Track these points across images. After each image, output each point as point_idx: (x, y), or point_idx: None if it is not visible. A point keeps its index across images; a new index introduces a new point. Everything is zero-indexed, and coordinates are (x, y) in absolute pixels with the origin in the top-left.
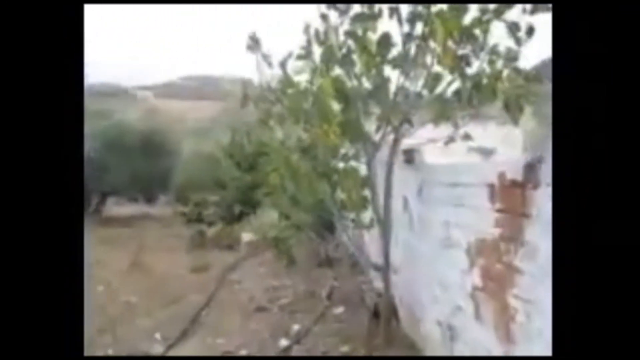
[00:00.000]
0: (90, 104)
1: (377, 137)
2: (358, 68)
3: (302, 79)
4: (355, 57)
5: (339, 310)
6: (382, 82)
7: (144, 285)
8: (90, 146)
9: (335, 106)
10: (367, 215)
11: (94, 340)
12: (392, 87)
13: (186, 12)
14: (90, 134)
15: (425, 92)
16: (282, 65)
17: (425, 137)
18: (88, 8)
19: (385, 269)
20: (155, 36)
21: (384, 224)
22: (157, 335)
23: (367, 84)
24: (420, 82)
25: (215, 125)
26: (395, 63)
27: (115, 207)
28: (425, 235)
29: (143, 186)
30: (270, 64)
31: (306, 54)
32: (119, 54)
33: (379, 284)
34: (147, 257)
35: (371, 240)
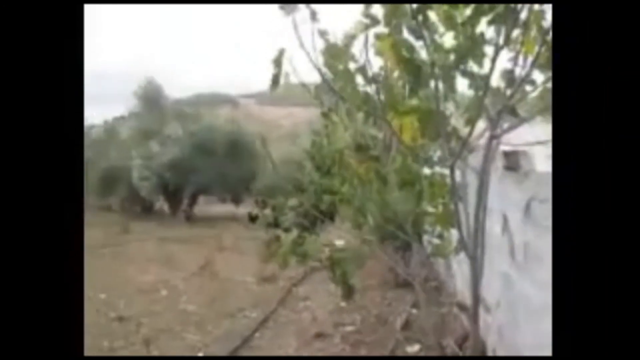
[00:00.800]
0: (191, 110)
1: (465, 132)
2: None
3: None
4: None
5: (414, 348)
6: (473, 46)
7: (207, 293)
8: (182, 148)
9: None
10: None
11: (137, 352)
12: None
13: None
14: (182, 136)
15: (537, 74)
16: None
17: (534, 136)
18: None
19: (473, 307)
20: (262, 46)
21: (473, 250)
22: (201, 354)
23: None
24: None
25: (309, 129)
26: (497, 19)
27: (206, 207)
28: (532, 268)
29: (229, 187)
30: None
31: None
32: (228, 65)
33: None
34: (220, 260)
35: (459, 267)
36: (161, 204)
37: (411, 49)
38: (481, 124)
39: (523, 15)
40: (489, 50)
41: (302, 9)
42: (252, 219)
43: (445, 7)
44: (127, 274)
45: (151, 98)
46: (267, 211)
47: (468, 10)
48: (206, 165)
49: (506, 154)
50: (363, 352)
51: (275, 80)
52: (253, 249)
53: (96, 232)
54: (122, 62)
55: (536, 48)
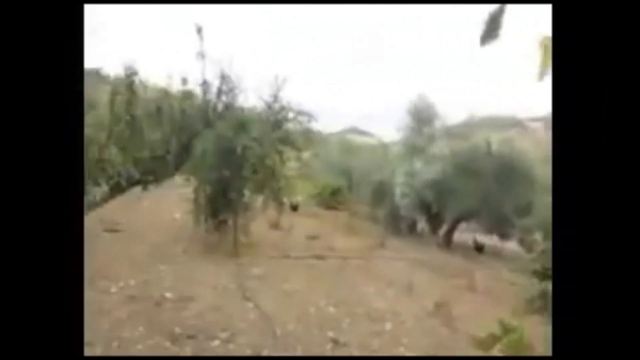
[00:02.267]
0: (463, 130)
1: None
2: None
3: None
4: None
5: None
6: None
7: (432, 343)
8: (444, 167)
9: None
10: None
11: None
12: None
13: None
14: (447, 156)
15: None
16: None
17: None
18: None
19: None
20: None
21: None
22: None
23: None
24: None
25: None
26: None
27: (468, 235)
28: None
29: (497, 217)
30: None
31: None
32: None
33: None
34: (464, 304)
35: None
36: (423, 225)
37: None
38: None
39: None
40: None
41: None
42: (478, 248)
43: None
44: (364, 293)
45: (422, 115)
46: (536, 254)
47: None
48: (469, 189)
49: None
50: None
51: None
52: (511, 297)
53: (354, 241)
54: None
55: None
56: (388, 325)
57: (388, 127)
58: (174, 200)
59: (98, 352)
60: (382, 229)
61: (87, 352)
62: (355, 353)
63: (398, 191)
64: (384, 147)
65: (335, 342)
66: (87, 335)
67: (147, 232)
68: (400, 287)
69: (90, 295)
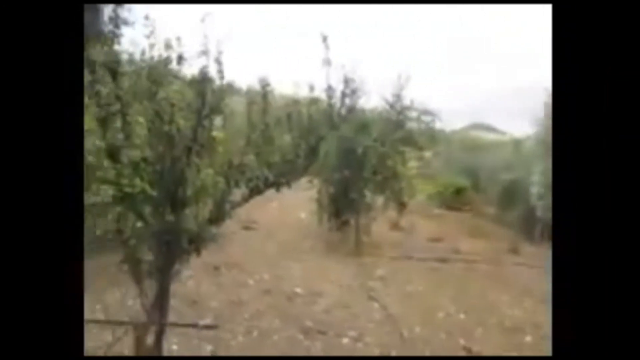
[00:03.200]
0: None
1: None
2: None
3: None
4: None
5: None
6: None
7: None
8: None
9: None
10: None
11: None
12: None
13: None
14: None
15: None
16: None
17: None
18: None
19: None
20: None
21: None
22: None
23: None
24: None
25: None
26: None
27: None
28: None
29: None
30: None
31: None
32: None
33: None
34: None
35: None
36: None
37: None
38: None
39: None
40: None
41: None
42: None
43: None
44: (496, 301)
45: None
46: None
47: None
48: None
49: None
50: None
51: None
52: None
53: (481, 244)
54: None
55: None
56: (528, 338)
57: (517, 123)
58: (299, 201)
59: (240, 339)
60: (514, 233)
61: (231, 340)
62: None
63: (534, 191)
64: (515, 143)
65: (467, 350)
66: (230, 324)
67: (277, 230)
68: (539, 298)
69: (230, 287)
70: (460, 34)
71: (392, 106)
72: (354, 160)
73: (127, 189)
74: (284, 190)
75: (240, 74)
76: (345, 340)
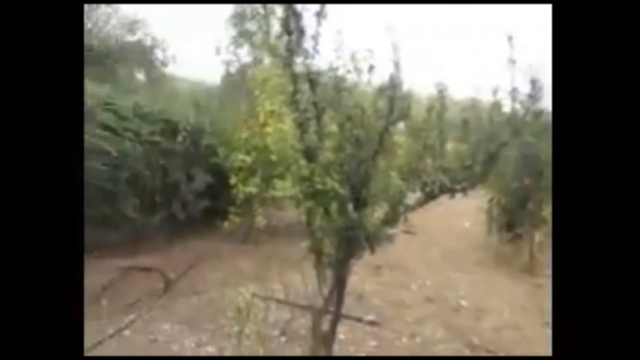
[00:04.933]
0: None
1: None
2: None
3: None
4: None
5: None
6: None
7: None
8: None
9: None
10: None
11: None
12: None
13: None
14: None
15: None
16: None
17: None
18: None
19: None
20: None
21: None
22: None
23: None
24: None
25: None
26: None
27: None
28: None
29: None
30: None
31: None
32: None
33: None
34: None
35: None
36: None
37: None
38: None
39: None
40: None
41: None
42: None
43: None
44: None
45: None
46: None
47: None
48: None
49: None
50: None
51: None
52: None
53: None
54: None
55: None
56: None
57: None
58: (463, 209)
59: (404, 341)
60: None
61: (395, 340)
62: None
63: None
64: None
65: None
66: (393, 324)
67: (440, 237)
68: None
69: (392, 288)
70: None
71: None
72: (534, 168)
73: (319, 186)
74: (445, 197)
75: (419, 78)
76: None
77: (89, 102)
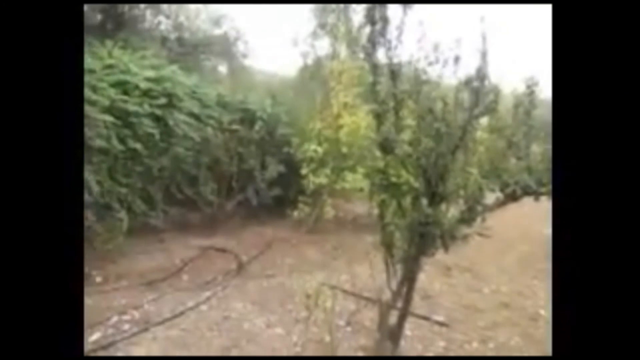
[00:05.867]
0: None
1: None
2: None
3: None
4: None
5: None
6: None
7: None
8: None
9: None
10: None
11: None
12: None
13: None
14: None
15: None
16: None
17: None
18: None
19: None
20: None
21: None
22: None
23: None
24: None
25: None
26: None
27: None
28: None
29: None
30: None
31: None
32: None
33: None
34: None
35: None
36: None
37: None
38: None
39: None
40: None
41: None
42: None
43: None
44: None
45: None
46: None
47: None
48: None
49: None
50: None
51: None
52: None
53: None
54: None
55: None
56: None
57: None
58: (539, 213)
59: (474, 345)
60: None
61: (465, 344)
62: None
63: None
64: None
65: None
66: (463, 327)
67: (516, 242)
68: None
69: (463, 290)
70: None
71: None
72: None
73: (393, 179)
74: (524, 201)
75: (505, 74)
76: None
77: (179, 91)
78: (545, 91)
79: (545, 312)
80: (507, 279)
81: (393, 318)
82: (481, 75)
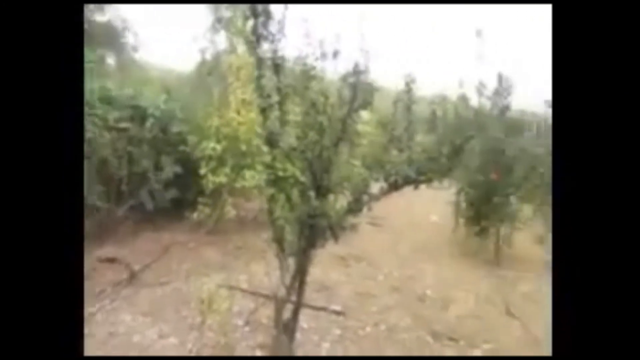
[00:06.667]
0: None
1: None
2: None
3: None
4: None
5: None
6: None
7: None
8: None
9: None
10: None
11: None
12: None
13: None
14: None
15: None
16: None
17: None
18: None
19: None
20: None
21: None
22: None
23: None
24: None
25: None
26: None
27: None
28: None
29: None
30: None
31: None
32: None
33: None
34: None
35: None
36: None
37: None
38: None
39: None
40: None
41: None
42: None
43: None
44: None
45: None
46: None
47: None
48: None
49: None
50: None
51: None
52: None
53: None
54: None
55: None
56: None
57: None
58: (427, 201)
59: (368, 330)
60: None
61: (359, 329)
62: None
63: None
64: None
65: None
66: (358, 314)
67: (407, 230)
68: None
69: (358, 279)
70: None
71: (550, 105)
72: (501, 163)
73: (280, 173)
74: (412, 191)
75: (387, 72)
76: (478, 352)
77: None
78: (423, 89)
79: (432, 292)
80: (399, 265)
81: (290, 312)
82: (358, 71)
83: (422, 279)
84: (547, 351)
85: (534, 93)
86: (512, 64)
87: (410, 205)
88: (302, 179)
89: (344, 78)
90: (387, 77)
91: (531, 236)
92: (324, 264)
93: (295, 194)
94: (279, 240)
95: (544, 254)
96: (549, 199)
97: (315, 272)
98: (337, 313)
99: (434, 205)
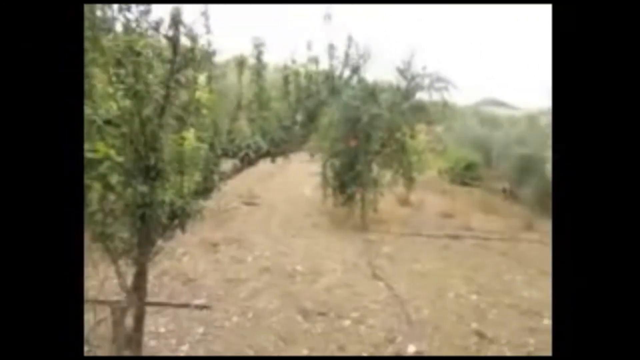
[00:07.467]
0: None
1: None
2: None
3: None
4: None
5: None
6: None
7: None
8: None
9: None
10: None
11: None
12: None
13: None
14: None
15: None
16: None
17: None
18: None
19: None
20: None
21: None
22: None
23: None
24: None
25: None
26: None
27: None
28: None
29: None
30: None
31: None
32: None
33: None
34: None
35: None
36: None
37: None
38: None
39: None
40: None
41: None
42: None
43: None
44: (511, 281)
45: None
46: None
47: None
48: None
49: None
50: None
51: None
52: None
53: (495, 221)
54: None
55: None
56: (546, 321)
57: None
58: (302, 175)
59: (234, 320)
60: (528, 209)
61: (225, 321)
62: (505, 350)
63: (550, 166)
64: (529, 118)
65: (480, 335)
66: (224, 304)
67: (281, 206)
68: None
69: (227, 264)
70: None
71: (402, 72)
72: (359, 130)
73: (89, 155)
74: (288, 166)
75: (234, 38)
76: (347, 323)
77: None
78: (272, 55)
79: (302, 267)
80: (271, 243)
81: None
82: (176, 21)
83: (293, 254)
84: (413, 305)
85: (389, 65)
86: (364, 30)
87: (286, 181)
88: (120, 159)
89: (155, 28)
90: (238, 44)
91: (395, 199)
92: (192, 253)
93: (115, 179)
94: (105, 239)
95: (407, 212)
96: (407, 161)
97: (181, 264)
98: (202, 307)
99: (308, 179)
